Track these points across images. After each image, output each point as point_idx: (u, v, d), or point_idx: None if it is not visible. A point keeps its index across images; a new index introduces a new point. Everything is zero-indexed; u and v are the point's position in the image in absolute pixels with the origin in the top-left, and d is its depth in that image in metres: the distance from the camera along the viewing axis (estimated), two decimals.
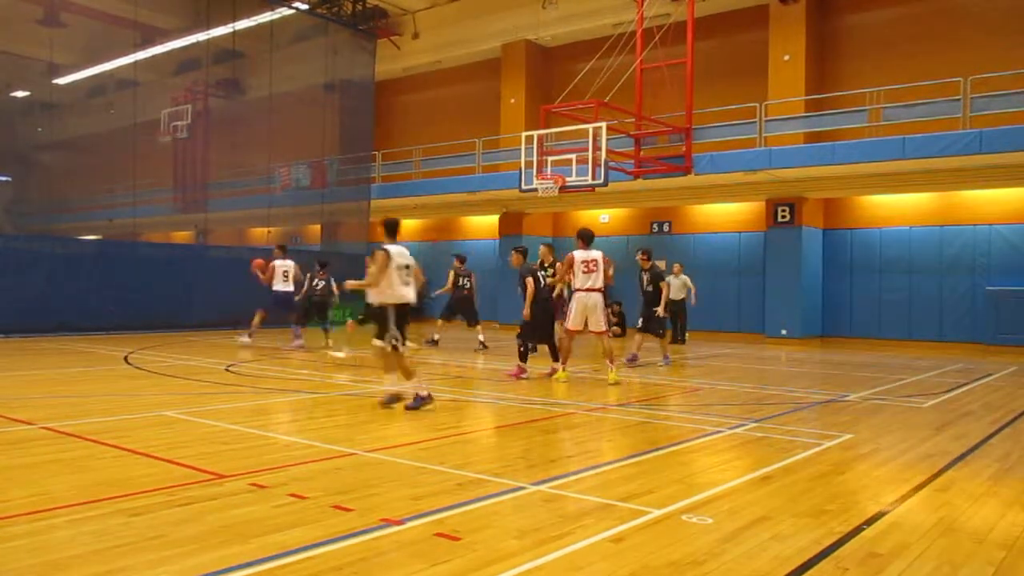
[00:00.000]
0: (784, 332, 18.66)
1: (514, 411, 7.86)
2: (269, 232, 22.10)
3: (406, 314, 7.75)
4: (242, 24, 21.32)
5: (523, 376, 10.31)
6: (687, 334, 17.94)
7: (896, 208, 18.64)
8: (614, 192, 18.17)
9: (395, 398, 7.66)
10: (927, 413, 8.04)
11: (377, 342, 7.68)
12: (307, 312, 14.52)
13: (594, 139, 14.63)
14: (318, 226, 24.33)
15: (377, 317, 7.75)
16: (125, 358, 12.32)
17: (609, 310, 10.75)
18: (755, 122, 17.34)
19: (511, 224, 23.28)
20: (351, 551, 3.53)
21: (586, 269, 9.90)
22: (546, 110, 16.23)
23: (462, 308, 15.38)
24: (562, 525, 3.96)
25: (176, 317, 18.28)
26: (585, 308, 9.91)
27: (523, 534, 3.80)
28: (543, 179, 15.32)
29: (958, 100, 15.15)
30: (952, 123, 15.23)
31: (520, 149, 16.57)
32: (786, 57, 18.71)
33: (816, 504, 4.45)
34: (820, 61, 19.17)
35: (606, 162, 15.02)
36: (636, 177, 17.40)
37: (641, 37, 17.09)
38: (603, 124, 14.83)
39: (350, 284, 8.37)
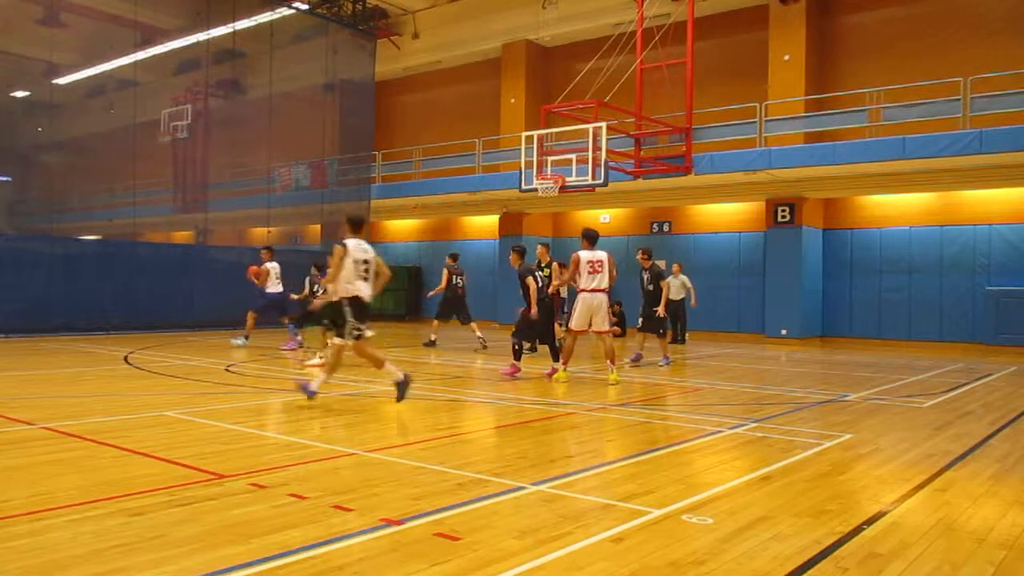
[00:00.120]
0: (784, 332, 18.66)
1: (514, 411, 7.86)
2: (269, 232, 22.10)
3: (363, 307, 7.80)
4: (242, 24, 21.31)
5: (517, 375, 10.30)
6: (687, 334, 17.95)
7: (896, 208, 18.64)
8: (614, 192, 18.18)
9: (405, 384, 7.70)
10: (927, 413, 8.04)
11: (337, 340, 7.72)
12: (307, 315, 14.54)
13: (594, 139, 14.64)
14: (318, 226, 24.33)
15: (335, 313, 7.81)
16: (125, 358, 12.32)
17: (610, 310, 10.75)
18: (755, 122, 17.33)
19: (511, 224, 23.28)
20: (351, 551, 3.53)
21: (592, 270, 9.89)
22: (546, 110, 16.23)
23: (456, 307, 15.41)
24: (562, 525, 3.96)
25: (176, 317, 18.28)
26: (590, 308, 9.90)
27: (523, 534, 3.80)
28: (543, 179, 15.33)
29: (958, 100, 15.14)
30: (952, 123, 15.22)
31: (520, 149, 16.58)
32: (786, 57, 18.71)
33: (816, 504, 4.45)
34: (820, 61, 19.17)
35: (606, 162, 15.02)
36: (636, 177, 17.41)
37: (641, 37, 17.09)
38: (603, 124, 14.83)
39: (317, 303, 8.50)
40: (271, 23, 22.00)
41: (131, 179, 19.74)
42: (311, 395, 7.72)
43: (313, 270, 14.39)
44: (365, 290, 7.78)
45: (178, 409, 7.40)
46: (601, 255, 9.99)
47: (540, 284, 10.79)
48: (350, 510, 4.15)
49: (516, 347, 10.56)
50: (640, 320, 12.96)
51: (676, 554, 3.56)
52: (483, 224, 25.13)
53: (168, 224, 24.22)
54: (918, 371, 12.40)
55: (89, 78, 21.67)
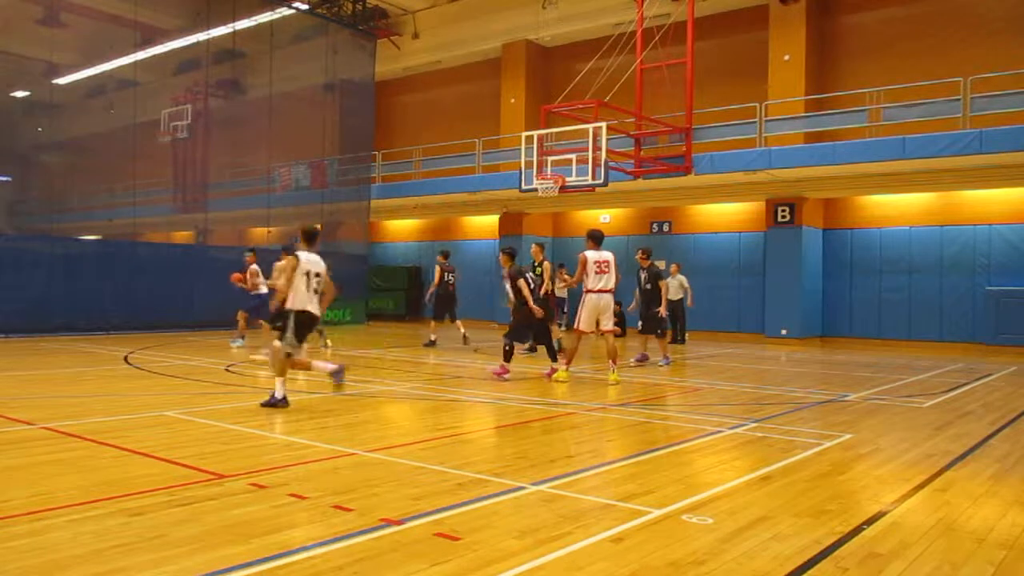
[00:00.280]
0: (784, 332, 18.66)
1: (514, 411, 7.86)
2: (269, 232, 22.10)
3: (308, 322, 7.80)
4: (242, 24, 21.31)
5: (506, 376, 10.25)
6: (687, 334, 17.94)
7: (896, 208, 18.64)
8: (614, 192, 18.18)
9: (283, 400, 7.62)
10: (927, 413, 8.04)
11: (277, 343, 7.72)
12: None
13: (594, 139, 14.63)
14: (318, 226, 24.30)
15: (282, 320, 7.81)
16: (125, 358, 12.32)
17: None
18: (755, 122, 17.33)
19: (511, 224, 23.28)
20: (351, 551, 3.53)
21: (599, 270, 9.90)
22: (546, 110, 16.23)
23: (448, 304, 15.50)
24: (562, 525, 3.96)
25: (176, 317, 18.27)
26: (597, 308, 9.91)
27: (523, 534, 3.80)
28: (543, 179, 15.33)
29: (958, 100, 15.14)
30: (952, 123, 15.22)
31: (520, 149, 16.57)
32: (786, 57, 18.71)
33: (816, 504, 4.45)
34: (820, 61, 19.17)
35: (606, 162, 15.02)
36: (636, 177, 17.41)
37: (641, 37, 17.09)
38: (603, 124, 14.83)
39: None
40: (271, 23, 21.99)
41: (131, 179, 19.74)
42: (280, 404, 7.58)
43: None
44: (313, 305, 7.77)
45: (178, 409, 7.40)
46: (607, 255, 10.01)
47: (532, 286, 10.74)
48: (350, 510, 4.15)
49: (507, 348, 10.51)
50: (640, 322, 12.98)
51: (676, 554, 3.57)
52: (483, 224, 25.13)
53: (168, 224, 24.20)
54: (918, 371, 12.40)
55: (89, 78, 21.66)
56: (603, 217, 22.46)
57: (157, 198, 22.54)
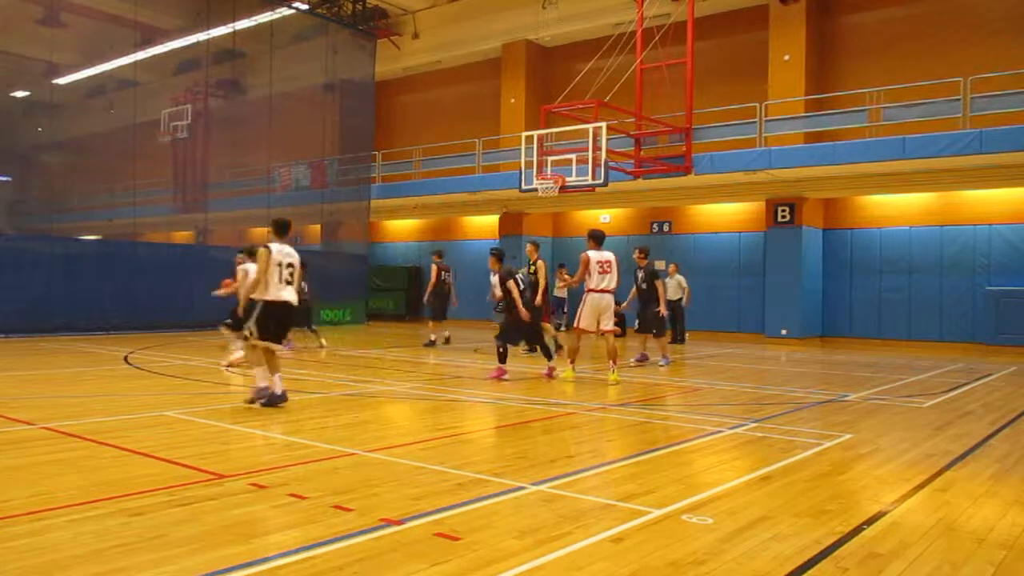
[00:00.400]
0: (784, 332, 18.66)
1: (514, 411, 7.86)
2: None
3: (284, 313, 7.66)
4: (242, 24, 21.31)
5: (504, 378, 10.24)
6: (687, 334, 17.94)
7: (896, 208, 18.64)
8: (614, 192, 18.18)
9: (267, 394, 7.59)
10: (927, 413, 8.04)
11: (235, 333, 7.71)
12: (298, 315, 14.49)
13: (594, 139, 14.64)
14: (318, 226, 24.33)
15: (248, 311, 7.75)
16: (125, 358, 12.32)
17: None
18: (755, 122, 17.33)
19: (511, 224, 23.29)
20: (351, 551, 3.53)
21: (602, 270, 9.92)
22: (546, 110, 16.23)
23: (444, 304, 15.52)
24: (562, 525, 3.96)
25: (176, 317, 18.26)
26: (598, 308, 9.92)
27: (523, 534, 3.80)
28: (543, 179, 15.33)
29: (958, 100, 15.14)
30: (952, 123, 15.22)
31: (520, 149, 16.58)
32: (786, 57, 18.71)
33: (816, 504, 4.45)
34: (820, 61, 19.17)
35: (606, 162, 15.02)
36: (636, 177, 17.41)
37: (641, 37, 17.09)
38: (603, 124, 14.83)
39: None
40: (271, 23, 22.00)
41: (131, 179, 19.73)
42: (264, 398, 7.54)
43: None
44: (287, 295, 7.66)
45: (178, 409, 7.40)
46: (609, 255, 10.03)
47: (523, 286, 10.68)
48: (350, 510, 4.15)
49: (501, 350, 10.48)
50: (637, 321, 13.01)
51: (676, 554, 3.56)
52: (483, 224, 25.13)
53: (168, 224, 24.21)
54: (918, 371, 12.40)
55: (89, 78, 21.67)
56: (603, 217, 22.46)
57: (157, 198, 22.55)
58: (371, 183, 23.98)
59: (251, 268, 11.35)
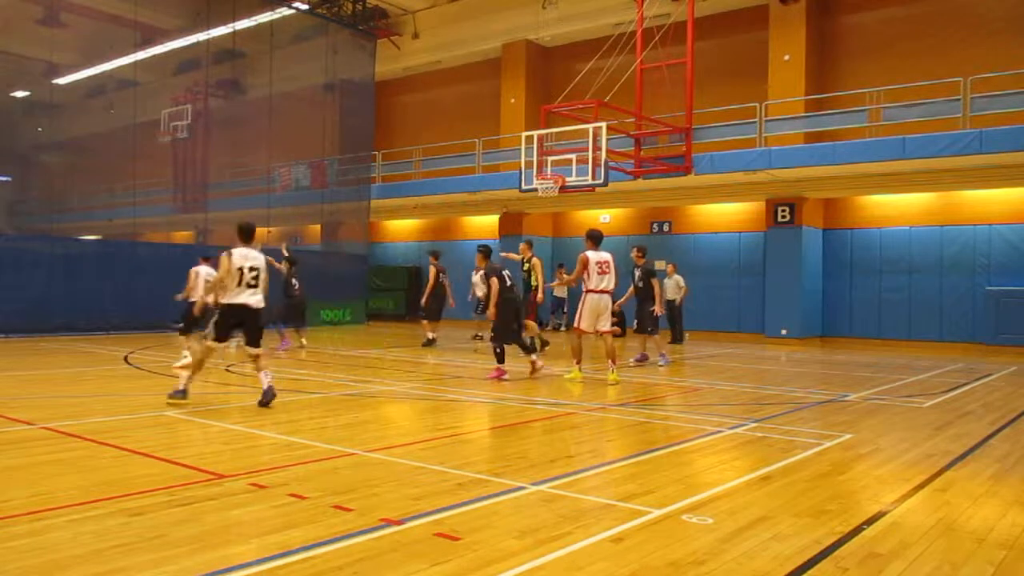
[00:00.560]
0: (784, 332, 18.66)
1: (514, 411, 7.86)
2: (269, 232, 22.09)
3: (241, 315, 7.64)
4: (242, 24, 21.31)
5: (504, 378, 10.23)
6: (686, 334, 17.94)
7: (896, 208, 18.64)
8: (614, 192, 18.18)
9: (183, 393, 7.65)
10: (927, 413, 8.04)
11: (208, 343, 7.74)
12: (288, 313, 14.51)
13: (594, 139, 14.64)
14: (318, 226, 24.33)
15: (206, 314, 7.79)
16: (125, 358, 12.32)
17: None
18: (755, 122, 17.33)
19: (511, 224, 23.28)
20: (351, 551, 3.53)
21: (600, 270, 9.92)
22: (546, 110, 16.23)
23: (439, 305, 15.52)
24: (562, 525, 3.96)
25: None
26: (597, 308, 9.93)
27: (523, 534, 3.80)
28: (543, 179, 15.33)
29: (958, 100, 15.14)
30: (952, 123, 15.22)
31: (520, 149, 16.58)
32: (786, 57, 18.70)
33: (816, 504, 4.45)
34: (820, 61, 19.17)
35: (606, 162, 15.02)
36: (636, 177, 17.40)
37: (641, 37, 17.09)
38: (603, 124, 14.83)
39: (198, 306, 8.65)
40: (271, 23, 22.00)
41: (131, 179, 19.73)
42: (181, 396, 7.59)
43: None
44: (246, 298, 7.63)
45: (178, 409, 7.40)
46: (606, 256, 10.04)
47: (509, 284, 10.57)
48: (350, 510, 4.15)
49: (497, 350, 10.46)
50: (636, 321, 13.03)
51: (676, 554, 3.56)
52: (483, 224, 25.13)
53: (168, 224, 24.22)
54: (918, 371, 12.40)
55: (89, 78, 21.68)
56: (603, 217, 22.46)
57: (157, 198, 22.56)
58: (371, 183, 23.97)
59: (203, 271, 11.46)
